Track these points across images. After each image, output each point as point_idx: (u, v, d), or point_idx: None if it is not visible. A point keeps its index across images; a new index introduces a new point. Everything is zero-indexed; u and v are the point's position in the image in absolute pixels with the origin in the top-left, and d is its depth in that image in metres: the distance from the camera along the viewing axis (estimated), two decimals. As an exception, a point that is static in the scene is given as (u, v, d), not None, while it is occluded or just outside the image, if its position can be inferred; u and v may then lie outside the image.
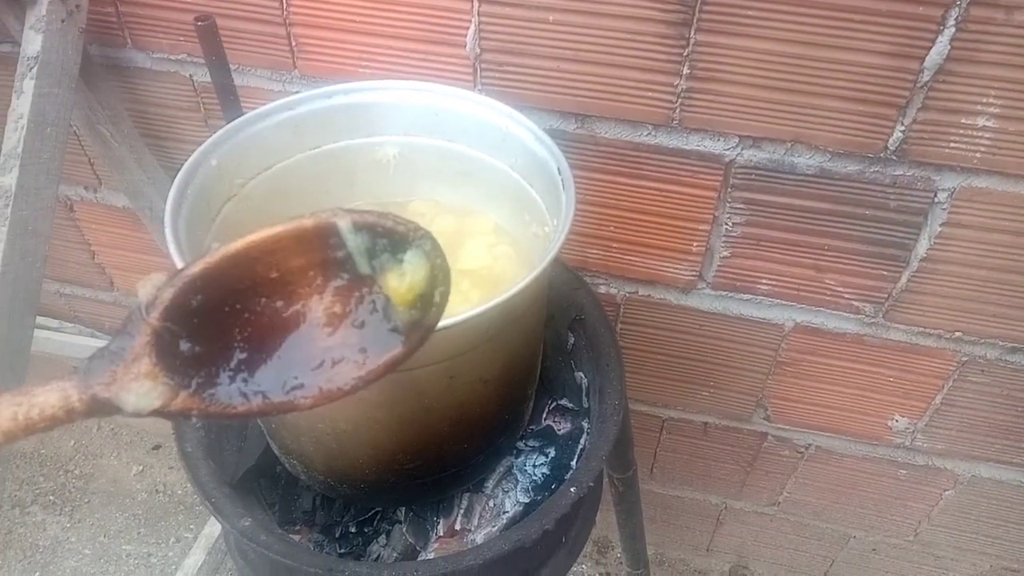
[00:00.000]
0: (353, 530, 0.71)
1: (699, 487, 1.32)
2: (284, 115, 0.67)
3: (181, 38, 0.90)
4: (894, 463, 1.13)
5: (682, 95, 0.79)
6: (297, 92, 0.70)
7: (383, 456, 0.62)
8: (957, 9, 0.67)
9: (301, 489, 0.74)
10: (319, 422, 0.59)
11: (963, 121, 0.73)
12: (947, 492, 1.16)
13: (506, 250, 0.72)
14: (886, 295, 0.90)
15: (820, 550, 1.38)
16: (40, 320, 1.11)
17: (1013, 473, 1.10)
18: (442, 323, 0.49)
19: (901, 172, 0.79)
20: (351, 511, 0.72)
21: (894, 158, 0.78)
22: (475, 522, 0.71)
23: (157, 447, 1.70)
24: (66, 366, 1.55)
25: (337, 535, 0.72)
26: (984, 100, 0.71)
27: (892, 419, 1.06)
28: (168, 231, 0.55)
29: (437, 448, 0.63)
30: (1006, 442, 1.05)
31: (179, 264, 0.53)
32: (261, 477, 0.74)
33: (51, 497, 1.61)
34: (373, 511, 0.72)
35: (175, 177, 0.60)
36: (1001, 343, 0.92)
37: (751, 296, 0.96)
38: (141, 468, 1.67)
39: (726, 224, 0.89)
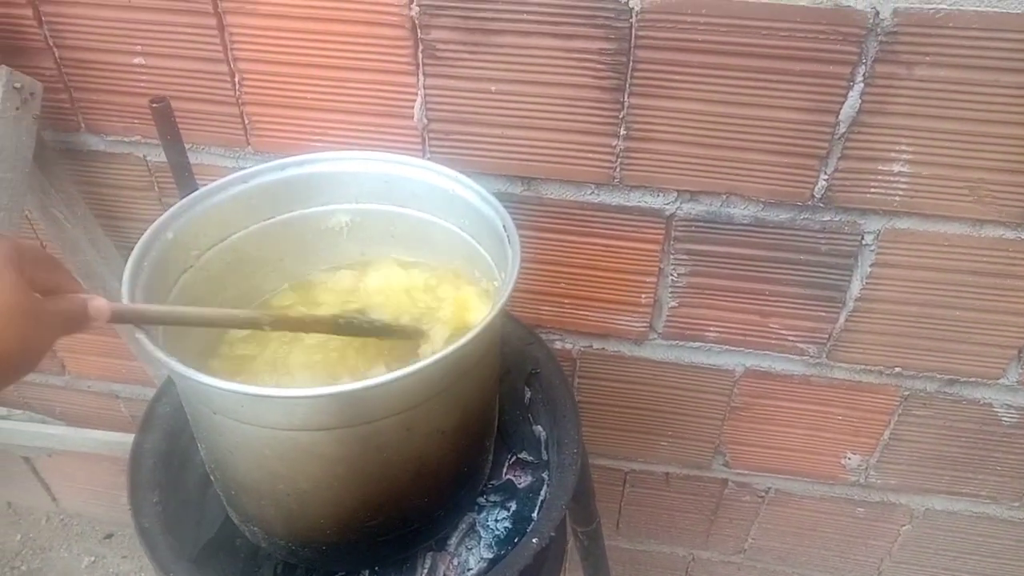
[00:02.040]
0: (317, 597, 0.70)
1: (665, 539, 1.32)
2: (238, 188, 0.70)
3: (135, 120, 0.93)
4: (851, 501, 1.16)
5: (621, 155, 0.83)
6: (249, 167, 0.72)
7: (344, 514, 0.62)
8: (863, 67, 0.73)
9: (262, 559, 0.73)
10: (279, 483, 0.59)
11: (880, 168, 0.79)
12: (904, 527, 1.19)
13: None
14: (827, 335, 0.95)
15: (789, 596, 1.38)
16: (-12, 407, 1.09)
17: (964, 503, 1.13)
18: (395, 375, 0.51)
19: (829, 218, 0.84)
20: (314, 578, 0.71)
21: (821, 205, 0.83)
22: (441, 581, 0.71)
23: (109, 536, 1.64)
24: (14, 456, 1.50)
25: (301, 604, 0.71)
26: (897, 148, 0.77)
27: (845, 457, 1.09)
28: (126, 301, 0.55)
29: (398, 502, 0.63)
30: (954, 473, 1.08)
31: (137, 332, 0.54)
32: (220, 550, 0.73)
33: (-3, 596, 1.53)
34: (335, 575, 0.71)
35: (131, 250, 0.61)
36: (939, 375, 0.96)
37: (701, 344, 0.99)
38: (93, 559, 1.60)
39: (672, 275, 0.93)
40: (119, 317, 0.53)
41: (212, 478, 0.67)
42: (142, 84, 0.89)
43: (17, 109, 0.84)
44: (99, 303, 0.51)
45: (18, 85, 0.84)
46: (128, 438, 0.76)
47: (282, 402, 0.53)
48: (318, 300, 0.76)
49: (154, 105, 0.73)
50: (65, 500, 1.63)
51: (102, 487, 1.55)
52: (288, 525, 0.63)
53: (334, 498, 0.60)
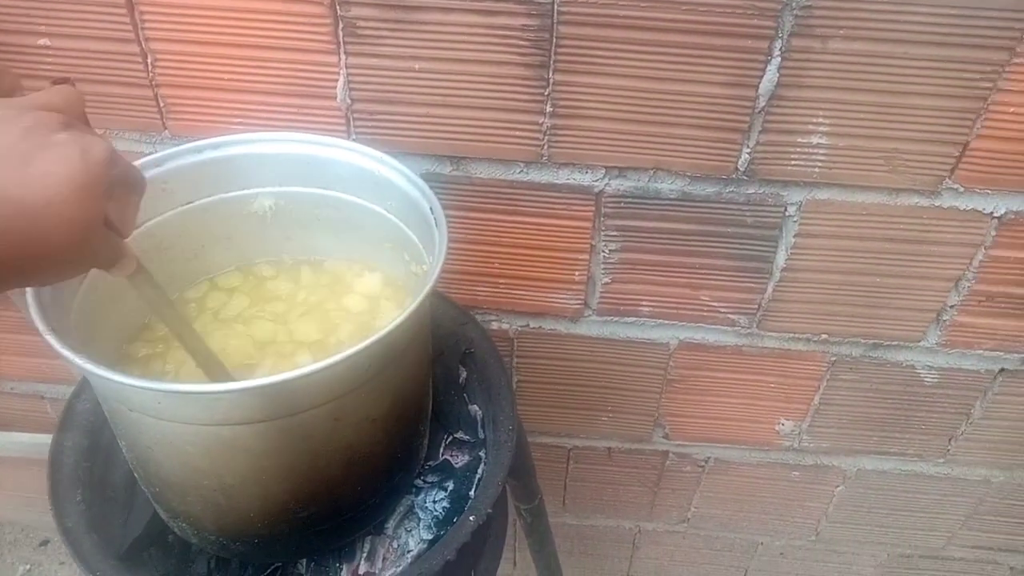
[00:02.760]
0: (253, 589, 0.69)
1: (611, 513, 1.34)
2: (152, 172, 0.67)
3: (41, 105, 0.88)
4: (786, 466, 1.19)
5: (548, 132, 0.83)
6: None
7: (274, 507, 0.61)
8: (780, 41, 0.74)
9: (195, 554, 0.71)
10: (204, 479, 0.58)
11: (799, 140, 0.80)
12: (838, 488, 1.23)
13: (388, 305, 0.73)
14: (756, 306, 0.97)
15: (733, 560, 1.42)
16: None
17: (893, 463, 1.18)
18: (320, 364, 0.50)
19: (753, 191, 0.85)
20: (248, 570, 0.70)
21: (745, 178, 0.84)
22: (379, 564, 0.70)
23: (44, 543, 1.59)
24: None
25: (237, 598, 0.69)
26: (815, 120, 0.79)
27: (779, 423, 1.12)
28: (29, 297, 0.53)
29: (329, 492, 0.62)
30: (882, 434, 1.12)
31: (41, 328, 0.52)
32: (152, 546, 0.71)
33: (-75, 610, 1.47)
34: (272, 567, 0.70)
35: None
36: (863, 341, 1.00)
37: (635, 319, 1.00)
38: (28, 567, 1.56)
39: (603, 252, 0.93)
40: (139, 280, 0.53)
41: (136, 475, 0.65)
42: (48, 66, 0.85)
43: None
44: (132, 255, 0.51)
45: (-90, 71, 0.79)
46: (53, 440, 0.73)
47: (201, 398, 0.51)
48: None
49: (56, 86, 0.70)
50: (-5, 506, 1.58)
51: (33, 492, 1.50)
52: (217, 520, 0.62)
53: (262, 491, 0.59)
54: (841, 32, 0.73)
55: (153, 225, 0.68)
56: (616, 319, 1.01)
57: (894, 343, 1.00)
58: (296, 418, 0.55)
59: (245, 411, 0.53)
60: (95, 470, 0.72)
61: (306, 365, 0.49)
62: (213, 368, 0.60)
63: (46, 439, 1.25)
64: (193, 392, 0.50)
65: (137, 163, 0.67)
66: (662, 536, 1.39)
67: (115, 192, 0.46)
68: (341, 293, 0.74)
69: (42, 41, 0.83)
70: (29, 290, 0.53)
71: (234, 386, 0.51)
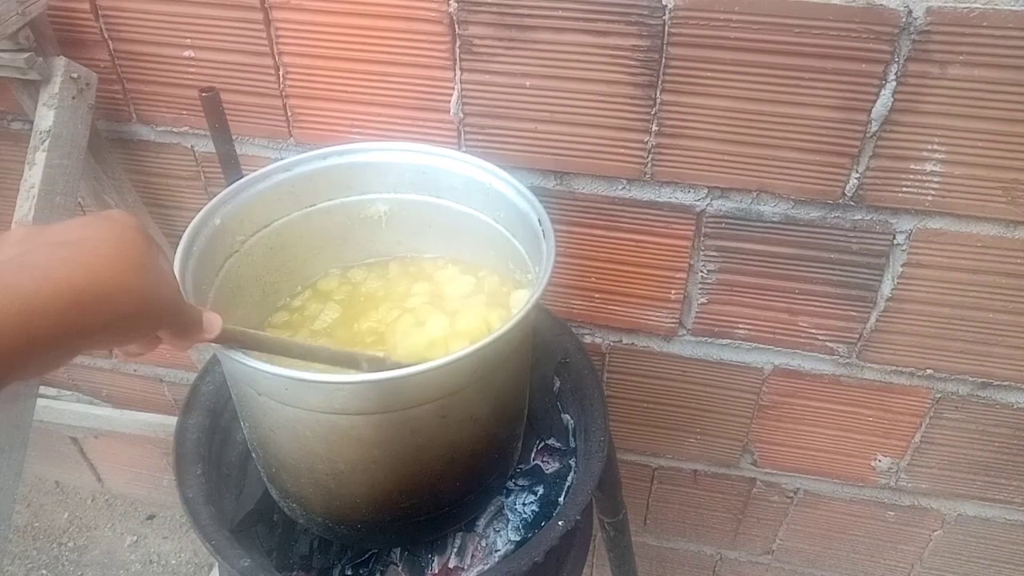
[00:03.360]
0: (350, 572, 0.73)
1: (693, 537, 1.33)
2: (282, 176, 0.73)
3: (184, 112, 0.97)
4: (881, 504, 1.15)
5: (652, 151, 0.85)
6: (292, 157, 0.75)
7: (379, 495, 0.64)
8: (896, 65, 0.73)
9: (298, 534, 0.76)
10: (318, 463, 0.62)
11: (912, 167, 0.79)
12: (936, 532, 1.17)
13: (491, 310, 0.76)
14: (857, 335, 0.94)
15: (817, 599, 1.37)
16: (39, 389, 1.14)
17: (997, 510, 1.12)
18: (431, 364, 0.53)
19: (860, 216, 0.84)
20: (348, 554, 0.74)
21: (852, 203, 0.83)
22: (468, 560, 0.73)
23: (151, 517, 1.70)
24: (62, 436, 1.57)
25: (334, 579, 0.73)
26: (929, 147, 0.77)
27: (875, 459, 1.08)
28: (176, 273, 0.58)
29: (431, 486, 0.65)
30: (987, 479, 1.07)
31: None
32: (259, 523, 0.76)
33: (44, 571, 1.59)
34: (369, 553, 0.74)
35: (181, 236, 0.64)
36: (971, 379, 0.96)
37: (730, 341, 1.00)
38: (135, 539, 1.66)
39: (701, 271, 0.93)
40: (227, 337, 0.53)
41: (254, 455, 0.70)
42: (191, 76, 0.93)
43: (73, 99, 0.88)
44: (212, 317, 0.52)
45: (75, 75, 0.88)
46: (170, 421, 0.80)
47: (323, 387, 0.55)
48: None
49: (204, 94, 0.77)
50: (110, 481, 1.69)
51: (145, 469, 1.61)
52: (325, 503, 0.66)
53: (370, 479, 0.63)
54: (961, 58, 0.71)
55: (280, 225, 0.74)
56: (710, 340, 1.00)
57: (1005, 383, 0.95)
58: (406, 412, 0.58)
59: (361, 402, 0.56)
60: (213, 448, 0.77)
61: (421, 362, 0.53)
62: (343, 360, 0.63)
63: (163, 419, 1.35)
64: (316, 381, 0.54)
65: (268, 168, 0.73)
66: (744, 566, 1.36)
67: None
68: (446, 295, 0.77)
69: (187, 53, 0.91)
70: (177, 277, 0.59)
71: (352, 378, 0.55)
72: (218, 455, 0.77)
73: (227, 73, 0.92)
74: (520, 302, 0.73)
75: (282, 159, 0.96)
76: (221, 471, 0.77)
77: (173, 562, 1.61)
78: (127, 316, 0.43)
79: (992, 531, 1.15)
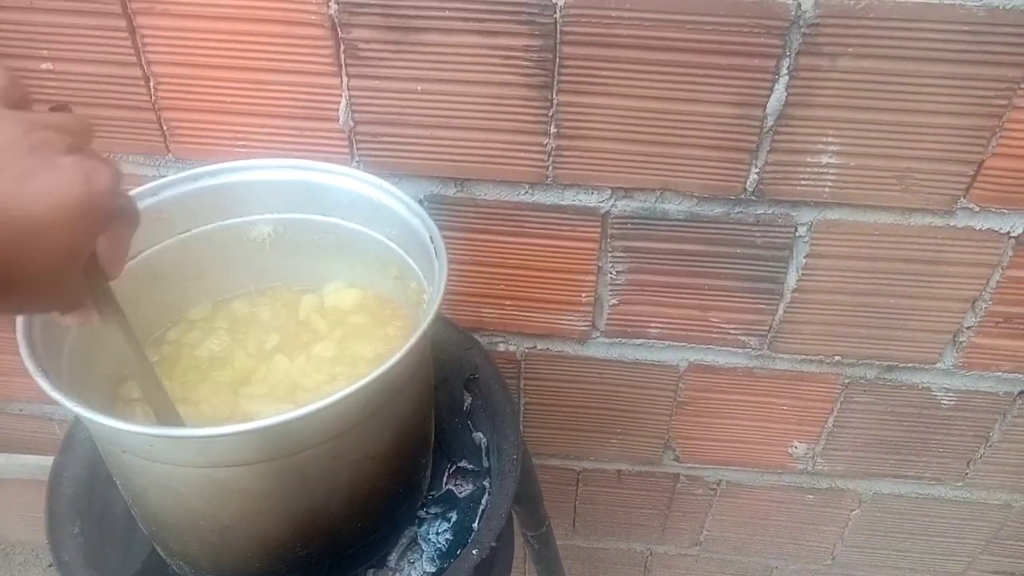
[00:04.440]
0: (252, 625, 0.68)
1: (622, 536, 1.32)
2: (148, 201, 0.66)
3: (45, 130, 0.88)
4: (800, 489, 1.17)
5: (552, 153, 0.82)
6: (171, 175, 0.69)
7: (273, 547, 0.59)
8: (788, 59, 0.72)
9: (194, 588, 0.70)
10: (199, 519, 0.56)
11: (808, 160, 0.79)
12: (854, 512, 1.20)
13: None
14: (767, 327, 0.95)
15: (746, 585, 1.39)
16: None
17: (910, 486, 1.15)
18: (317, 405, 0.48)
19: (762, 211, 0.84)
20: (249, 605, 0.69)
21: (754, 198, 0.83)
22: (380, 599, 0.69)
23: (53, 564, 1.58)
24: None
25: (236, 633, 0.68)
26: (824, 139, 0.77)
27: (791, 446, 1.10)
28: (19, 333, 0.52)
29: (329, 531, 0.61)
30: (898, 456, 1.10)
31: (31, 368, 0.50)
32: (150, 581, 0.70)
33: (-67, 632, 1.47)
34: (272, 602, 0.69)
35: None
36: (877, 362, 0.97)
37: (644, 340, 0.99)
38: (37, 587, 1.55)
39: (610, 273, 0.92)
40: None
41: (133, 513, 0.64)
42: (52, 90, 0.85)
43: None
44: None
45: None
46: (62, 462, 0.72)
47: (194, 441, 0.50)
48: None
49: (59, 110, 0.69)
50: (6, 529, 1.57)
51: (43, 512, 1.49)
52: (214, 560, 0.60)
53: (259, 532, 0.57)
54: (850, 50, 0.71)
55: (150, 254, 0.67)
56: (624, 341, 0.99)
57: (909, 365, 0.97)
58: (292, 459, 0.53)
59: (239, 453, 0.51)
60: (95, 500, 0.71)
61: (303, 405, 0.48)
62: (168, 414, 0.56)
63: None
64: (185, 436, 0.49)
65: (133, 192, 0.66)
66: (674, 559, 1.36)
67: (111, 224, 0.44)
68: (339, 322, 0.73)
69: (45, 65, 0.83)
70: (20, 330, 0.52)
71: (227, 429, 0.49)
72: (100, 509, 0.71)
73: (92, 86, 0.84)
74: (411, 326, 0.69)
75: (161, 176, 0.90)
76: (104, 526, 0.70)
77: (80, 608, 1.51)
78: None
79: (906, 506, 1.18)
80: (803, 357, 0.98)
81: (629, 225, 0.87)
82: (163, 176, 0.90)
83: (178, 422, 0.56)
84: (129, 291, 0.66)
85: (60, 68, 0.83)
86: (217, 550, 0.59)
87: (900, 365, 0.97)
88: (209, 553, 0.59)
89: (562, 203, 0.86)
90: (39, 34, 0.81)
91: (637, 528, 1.30)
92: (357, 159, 0.85)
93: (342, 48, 0.77)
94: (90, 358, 0.60)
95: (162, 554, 0.65)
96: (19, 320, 0.53)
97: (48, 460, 1.25)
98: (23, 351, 0.51)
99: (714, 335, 0.97)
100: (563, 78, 0.76)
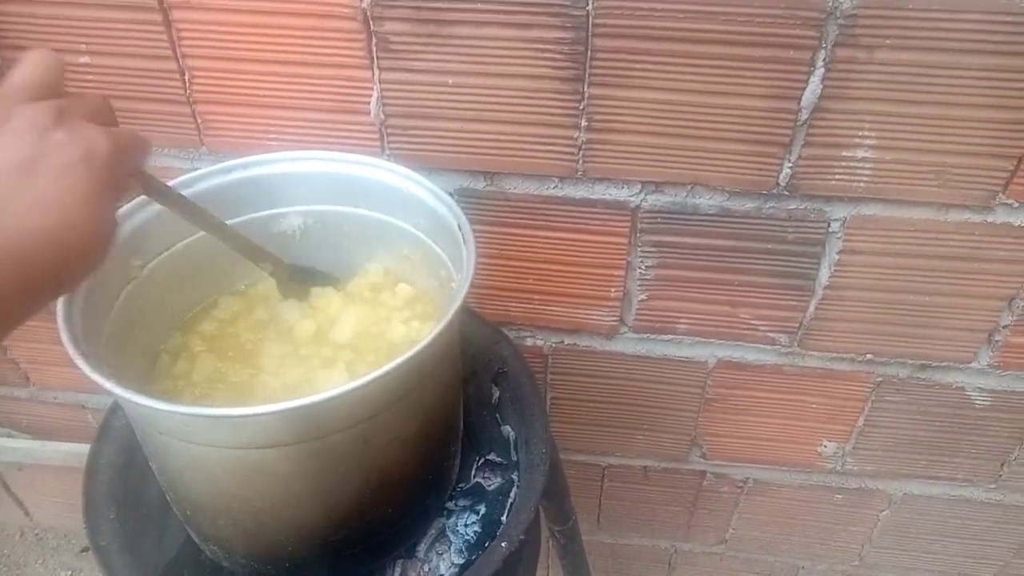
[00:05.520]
0: (282, 612, 0.68)
1: (647, 532, 1.32)
2: (183, 193, 0.67)
3: (82, 123, 0.90)
4: (829, 488, 1.15)
5: (583, 147, 0.82)
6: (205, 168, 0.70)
7: (305, 531, 0.60)
8: (824, 51, 0.71)
9: (226, 575, 0.71)
10: (233, 502, 0.57)
11: (844, 154, 0.78)
12: (883, 512, 1.18)
13: (418, 325, 0.72)
14: (798, 324, 0.94)
15: (772, 584, 1.38)
16: (-53, 422, 1.06)
17: (941, 487, 1.13)
18: (349, 386, 0.49)
19: (795, 206, 0.83)
20: (279, 592, 0.69)
21: (786, 193, 0.82)
22: (409, 589, 0.69)
23: (86, 549, 1.61)
24: (-19, 469, 1.47)
25: (267, 619, 0.69)
26: (860, 133, 0.76)
27: (821, 445, 1.08)
28: (60, 320, 0.53)
29: (361, 515, 0.61)
30: (930, 457, 1.08)
31: (72, 352, 0.51)
32: (185, 568, 0.71)
33: (-30, 614, 1.50)
34: (302, 590, 0.69)
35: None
36: (910, 361, 0.96)
37: (672, 336, 0.98)
38: (70, 573, 1.58)
39: (640, 268, 0.91)
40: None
41: (168, 497, 0.65)
42: (90, 84, 0.86)
43: (-43, 115, 0.81)
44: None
45: (-43, 90, 0.81)
46: (96, 450, 0.74)
47: (228, 421, 0.50)
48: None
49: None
50: (39, 514, 1.60)
51: (75, 499, 1.50)
52: (247, 544, 0.61)
53: (292, 515, 0.58)
54: (888, 42, 0.70)
55: (184, 246, 0.68)
56: (652, 336, 0.98)
57: (943, 364, 0.96)
58: (324, 441, 0.54)
59: (272, 434, 0.52)
60: (130, 487, 0.72)
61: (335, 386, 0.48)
62: (249, 250, 0.64)
63: (86, 448, 1.27)
64: (219, 416, 0.50)
65: (168, 184, 0.67)
66: (699, 557, 1.35)
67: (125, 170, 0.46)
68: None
69: (83, 59, 0.85)
70: (60, 315, 0.53)
71: (260, 410, 0.50)
72: (136, 494, 0.72)
73: (128, 79, 0.85)
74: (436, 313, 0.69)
75: (194, 169, 0.91)
76: (140, 512, 0.71)
77: (111, 594, 1.54)
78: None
79: (937, 507, 1.17)
80: (834, 355, 0.96)
81: (659, 219, 0.86)
82: (196, 169, 0.91)
83: (272, 257, 0.64)
84: (163, 281, 0.67)
85: (97, 62, 0.85)
86: (251, 534, 0.59)
87: (933, 364, 0.96)
88: (243, 537, 0.60)
89: (592, 197, 0.86)
90: (77, 28, 0.82)
91: (662, 525, 1.29)
92: (387, 152, 0.86)
93: (374, 41, 0.78)
94: (140, 322, 0.61)
95: (196, 539, 0.66)
96: (59, 308, 0.54)
97: (82, 448, 1.28)
98: (64, 336, 0.52)
99: (743, 331, 0.96)
100: (594, 71, 0.76)
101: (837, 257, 0.86)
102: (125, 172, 0.46)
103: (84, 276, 0.44)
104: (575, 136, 0.81)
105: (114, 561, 0.64)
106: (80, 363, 0.49)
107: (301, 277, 0.72)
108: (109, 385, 0.48)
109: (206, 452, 0.53)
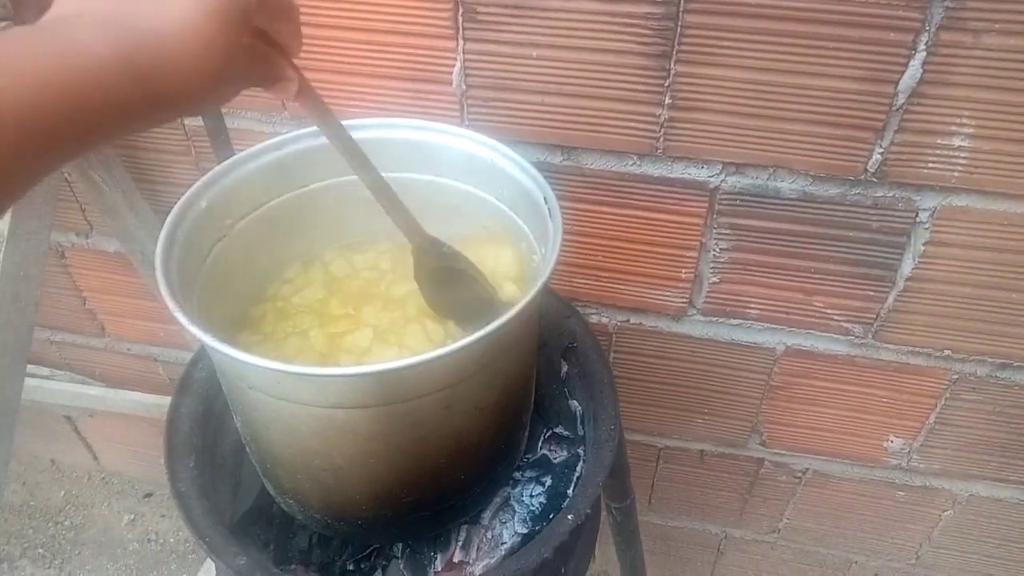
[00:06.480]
0: (351, 567, 0.70)
1: (698, 516, 1.31)
2: (271, 156, 0.68)
3: (171, 83, 0.92)
4: (891, 485, 1.13)
5: (665, 125, 0.80)
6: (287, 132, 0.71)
7: (380, 490, 0.61)
8: (927, 34, 0.69)
9: (297, 528, 0.73)
10: (315, 458, 0.59)
11: (939, 142, 0.75)
12: (946, 513, 1.16)
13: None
14: (874, 315, 0.91)
15: (823, 577, 1.37)
16: (30, 368, 1.11)
17: (1011, 491, 1.10)
18: (437, 352, 0.50)
19: (882, 194, 0.80)
20: (348, 549, 0.71)
21: (874, 180, 0.79)
22: (473, 555, 0.70)
23: (149, 495, 1.68)
24: (56, 415, 1.54)
25: (334, 573, 0.71)
26: (958, 121, 0.73)
27: (887, 440, 1.06)
28: (159, 274, 0.55)
29: (434, 480, 0.62)
30: (1002, 459, 1.05)
31: (171, 306, 0.53)
32: (259, 519, 0.73)
33: (40, 550, 1.58)
34: (370, 548, 0.71)
35: (165, 220, 0.60)
36: (990, 359, 0.93)
37: (741, 321, 0.97)
38: (133, 517, 1.65)
39: (714, 250, 0.90)
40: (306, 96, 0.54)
41: (248, 450, 0.67)
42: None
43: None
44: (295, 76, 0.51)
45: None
46: (165, 400, 0.76)
47: (317, 380, 0.52)
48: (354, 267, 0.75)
49: None
50: (105, 459, 1.67)
51: (141, 447, 1.59)
52: (324, 499, 0.63)
53: (370, 474, 0.60)
54: (997, 26, 0.67)
55: (271, 207, 0.70)
56: (721, 320, 0.97)
57: (1025, 364, 0.92)
58: (407, 404, 0.55)
59: (358, 395, 0.53)
60: (207, 437, 0.74)
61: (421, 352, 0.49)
62: (402, 220, 0.64)
63: (156, 399, 1.32)
64: (309, 374, 0.51)
65: (257, 148, 0.68)
66: (749, 545, 1.34)
67: (268, 9, 0.46)
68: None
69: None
70: (159, 270, 0.55)
71: (348, 371, 0.51)
72: (212, 445, 0.74)
73: (215, 42, 0.87)
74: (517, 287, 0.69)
75: (276, 133, 0.92)
76: (216, 462, 0.74)
77: (171, 540, 1.60)
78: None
79: (1004, 511, 1.13)
80: (910, 349, 0.94)
81: (738, 202, 0.85)
82: (280, 133, 0.93)
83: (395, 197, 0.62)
84: (251, 241, 0.69)
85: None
86: (328, 489, 0.61)
87: (1015, 364, 0.93)
88: (320, 492, 0.62)
89: (670, 176, 0.85)
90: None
91: (714, 510, 1.29)
92: (467, 123, 0.86)
93: (461, 11, 0.77)
94: (228, 281, 0.63)
95: (272, 492, 0.68)
96: (158, 263, 0.56)
97: (151, 398, 1.34)
98: (163, 291, 0.53)
99: (816, 320, 0.94)
100: (682, 47, 0.74)
101: (923, 248, 0.83)
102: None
103: (205, 95, 0.43)
104: (657, 113, 0.80)
105: (193, 506, 0.66)
106: (179, 316, 0.51)
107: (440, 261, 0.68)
108: (207, 338, 0.49)
109: (292, 409, 0.55)
